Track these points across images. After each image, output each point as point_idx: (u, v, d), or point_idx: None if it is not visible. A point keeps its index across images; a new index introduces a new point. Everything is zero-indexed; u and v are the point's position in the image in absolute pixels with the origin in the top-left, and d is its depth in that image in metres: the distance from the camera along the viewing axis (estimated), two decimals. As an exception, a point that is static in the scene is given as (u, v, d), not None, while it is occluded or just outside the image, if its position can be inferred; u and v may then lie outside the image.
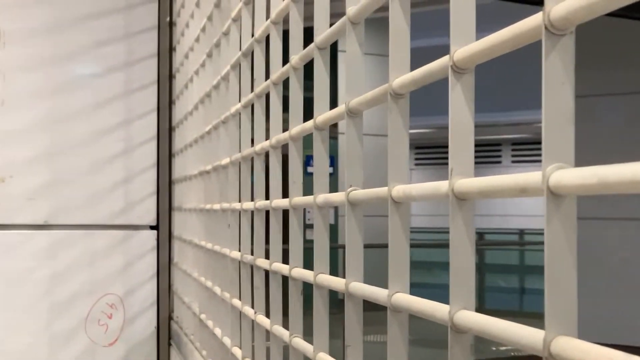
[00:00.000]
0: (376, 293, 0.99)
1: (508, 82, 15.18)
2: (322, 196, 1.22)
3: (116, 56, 3.13)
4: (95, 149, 3.07)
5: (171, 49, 3.22)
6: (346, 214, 1.09)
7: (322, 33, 1.24)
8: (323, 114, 1.23)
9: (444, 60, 0.81)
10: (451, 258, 0.79)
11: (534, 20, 0.65)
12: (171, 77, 3.22)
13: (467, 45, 0.77)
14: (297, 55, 1.38)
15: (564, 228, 0.63)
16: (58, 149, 3.01)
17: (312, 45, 1.28)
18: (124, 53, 3.14)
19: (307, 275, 1.29)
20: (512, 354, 9.57)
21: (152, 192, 3.17)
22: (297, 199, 1.38)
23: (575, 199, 0.63)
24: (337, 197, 1.14)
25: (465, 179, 0.77)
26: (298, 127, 1.37)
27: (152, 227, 3.18)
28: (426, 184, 0.85)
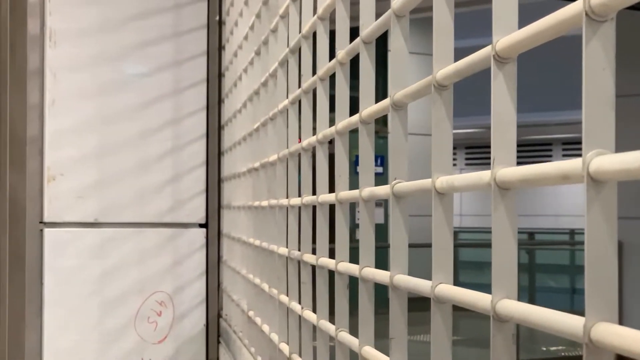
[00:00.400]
0: (420, 285, 0.99)
1: (557, 81, 15.08)
2: (368, 190, 1.23)
3: (165, 55, 3.15)
4: (144, 148, 3.10)
5: (220, 48, 3.24)
6: (390, 207, 1.10)
7: (368, 27, 1.24)
8: (368, 108, 1.23)
9: (486, 51, 0.81)
10: (493, 248, 0.79)
11: (575, 7, 0.65)
12: (220, 75, 3.24)
13: (509, 34, 0.77)
14: (344, 50, 1.39)
15: (604, 214, 0.63)
16: (108, 148, 3.04)
17: (357, 40, 1.29)
18: (172, 52, 3.16)
19: (353, 269, 1.30)
20: (562, 354, 9.50)
21: (201, 190, 3.19)
22: (344, 193, 1.38)
23: (616, 185, 0.63)
24: (383, 190, 1.15)
25: (507, 168, 0.77)
26: (344, 121, 1.37)
27: (201, 225, 3.20)
28: (469, 174, 0.86)
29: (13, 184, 2.96)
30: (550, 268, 15.58)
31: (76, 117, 3.00)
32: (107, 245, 3.04)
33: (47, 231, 2.96)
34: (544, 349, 9.40)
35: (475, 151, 23.55)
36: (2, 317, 3.00)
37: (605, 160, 0.60)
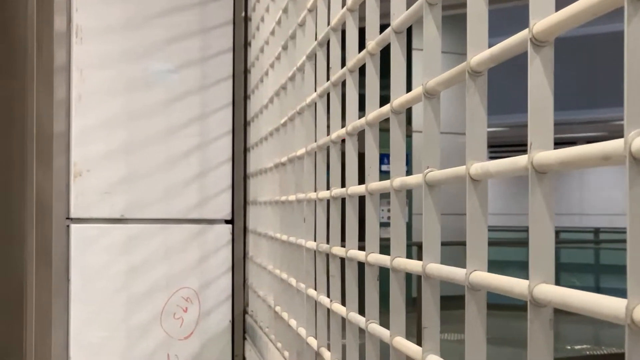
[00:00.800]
0: (454, 272, 0.99)
1: (581, 80, 15.03)
2: (399, 179, 1.22)
3: (191, 52, 3.16)
4: (170, 144, 3.10)
5: (246, 44, 3.24)
6: (423, 196, 1.09)
7: (399, 17, 1.24)
8: (400, 97, 1.23)
9: (523, 34, 0.81)
10: (531, 232, 0.79)
11: (616, -14, 0.64)
12: (246, 71, 3.24)
13: (545, 17, 0.77)
14: (374, 40, 1.39)
15: (646, 195, 0.62)
16: (134, 144, 3.05)
17: (388, 30, 1.28)
18: (198, 48, 3.17)
19: (384, 260, 1.29)
20: (587, 352, 9.46)
21: (227, 186, 3.19)
22: (374, 184, 1.38)
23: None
24: (414, 179, 1.14)
25: (544, 151, 0.77)
26: (375, 112, 1.37)
27: (227, 222, 3.20)
28: (504, 159, 0.85)
29: (40, 180, 2.97)
30: (575, 267, 15.53)
31: (103, 113, 3.01)
32: (134, 241, 3.04)
33: (74, 227, 2.97)
34: (569, 347, 9.36)
35: (499, 150, 23.50)
36: (29, 313, 3.01)
37: (648, 139, 0.59)
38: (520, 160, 0.80)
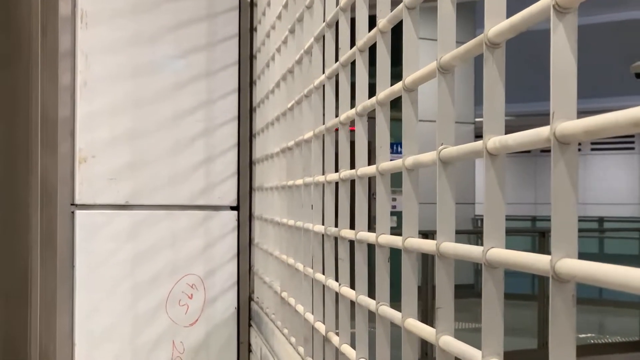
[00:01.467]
0: (470, 251, 0.97)
1: (586, 69, 14.99)
2: (412, 158, 1.20)
3: (197, 37, 3.13)
4: (176, 130, 3.08)
5: (252, 29, 3.22)
6: (437, 174, 1.07)
7: (412, -8, 1.22)
8: (413, 74, 1.20)
9: (545, 1, 0.78)
10: (553, 206, 0.76)
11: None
12: (252, 57, 3.22)
13: (570, -18, 0.74)
14: (385, 17, 1.36)
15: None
16: (139, 130, 3.03)
17: (401, 6, 1.26)
18: (205, 34, 3.14)
19: (396, 240, 1.27)
20: (591, 341, 9.44)
21: (232, 172, 3.17)
22: (385, 164, 1.36)
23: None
24: (428, 157, 1.12)
25: (568, 121, 0.74)
26: (386, 90, 1.35)
27: (232, 208, 3.18)
28: (524, 132, 0.83)
29: (44, 166, 2.95)
30: (579, 257, 15.52)
31: (108, 98, 2.99)
32: (139, 228, 3.02)
33: (79, 213, 2.95)
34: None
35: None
36: (34, 300, 2.99)
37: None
38: (542, 131, 0.78)
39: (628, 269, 0.64)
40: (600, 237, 16.06)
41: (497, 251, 0.89)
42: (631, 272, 0.63)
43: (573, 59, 0.76)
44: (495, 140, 0.89)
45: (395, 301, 1.29)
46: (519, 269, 0.83)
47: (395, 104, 1.32)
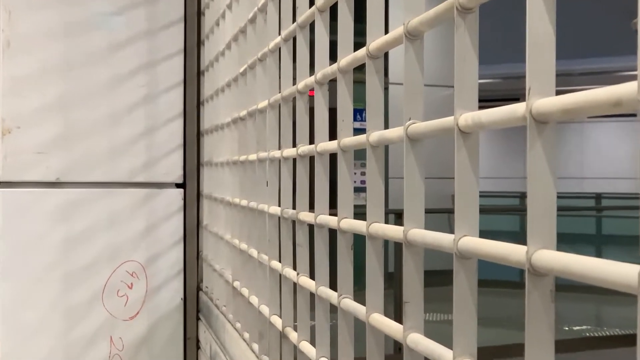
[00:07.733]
0: (439, 239, 0.98)
1: (582, 25, 15.05)
2: (377, 133, 1.21)
3: (137, -9, 3.12)
4: (113, 97, 3.08)
5: (200, -18, 3.22)
6: (405, 152, 1.08)
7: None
8: (378, 40, 1.21)
9: (521, -37, 0.79)
10: (529, 192, 0.78)
11: None
12: (200, 13, 3.21)
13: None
14: (347, -26, 1.37)
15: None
16: (71, 97, 3.02)
17: (364, -38, 1.27)
18: (145, -13, 3.14)
19: (359, 226, 1.28)
20: (587, 334, 9.53)
21: (178, 145, 3.17)
22: (347, 139, 1.37)
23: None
24: (395, 132, 1.13)
25: (545, 98, 0.76)
26: (348, 56, 1.36)
27: (178, 185, 3.19)
28: (498, 108, 0.84)
29: (-37, 138, 2.94)
30: (574, 237, 15.62)
31: (35, 61, 2.97)
32: (71, 208, 3.02)
33: (3, 192, 2.94)
34: (566, 328, 9.43)
35: (489, 105, 23.54)
36: (-48, 290, 2.99)
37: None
38: (517, 108, 0.79)
39: (613, 264, 0.66)
40: (598, 216, 16.15)
41: (469, 240, 0.90)
42: (617, 267, 0.65)
43: (551, 28, 0.77)
44: (468, 117, 0.90)
45: (363, 288, 1.30)
46: (492, 260, 0.84)
47: (363, 65, 1.33)
